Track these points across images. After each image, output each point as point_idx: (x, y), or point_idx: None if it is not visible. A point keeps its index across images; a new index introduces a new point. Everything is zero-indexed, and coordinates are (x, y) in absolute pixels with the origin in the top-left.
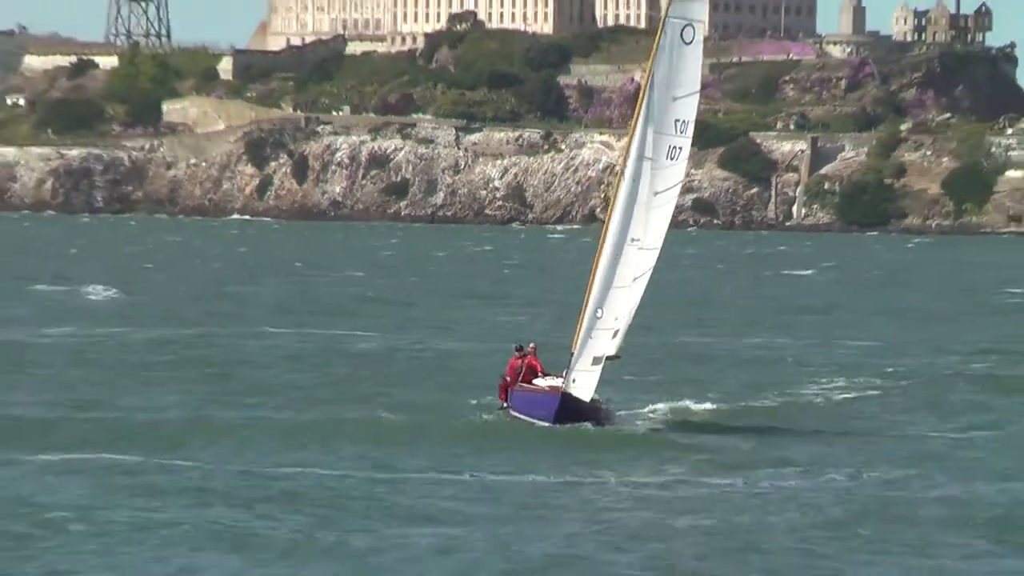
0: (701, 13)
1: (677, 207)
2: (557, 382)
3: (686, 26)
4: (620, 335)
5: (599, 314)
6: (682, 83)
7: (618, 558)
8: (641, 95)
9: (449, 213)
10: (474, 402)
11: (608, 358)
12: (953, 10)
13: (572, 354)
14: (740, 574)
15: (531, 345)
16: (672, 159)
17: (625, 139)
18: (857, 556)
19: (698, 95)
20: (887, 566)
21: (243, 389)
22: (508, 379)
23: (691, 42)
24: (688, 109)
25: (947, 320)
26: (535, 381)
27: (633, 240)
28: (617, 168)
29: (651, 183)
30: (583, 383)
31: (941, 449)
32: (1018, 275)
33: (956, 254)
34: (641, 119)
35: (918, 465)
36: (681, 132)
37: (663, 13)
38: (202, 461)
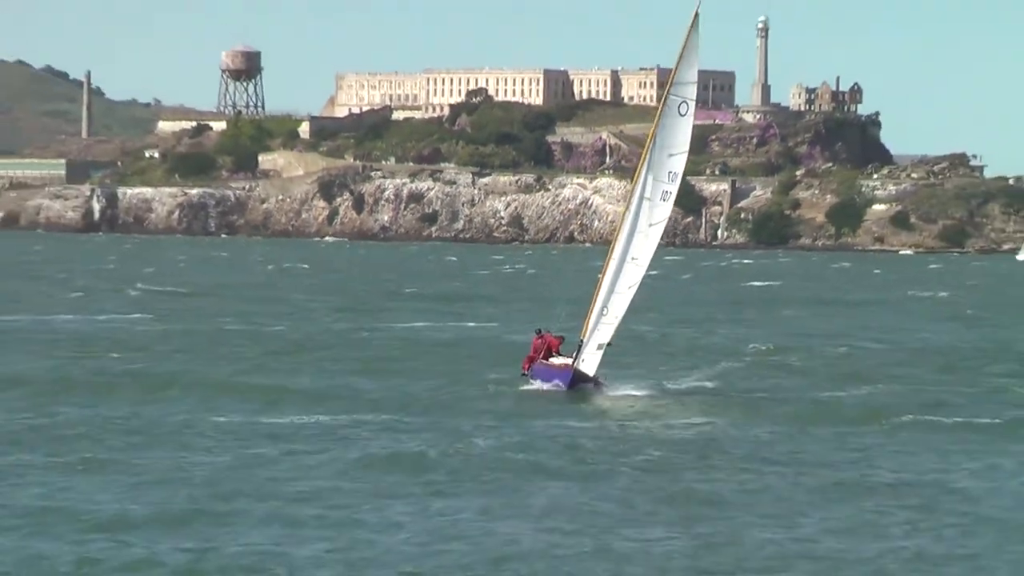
0: (693, 93)
1: None
2: (568, 360)
3: (682, 103)
4: (614, 327)
5: (605, 312)
6: (676, 144)
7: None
8: (644, 152)
9: (467, 236)
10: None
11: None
12: (834, 88)
13: (581, 341)
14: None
15: (544, 332)
16: (664, 200)
17: (597, 180)
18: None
19: (687, 153)
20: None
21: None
22: (532, 355)
23: (685, 114)
24: (679, 164)
25: (864, 310)
26: (551, 360)
27: (633, 259)
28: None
29: (648, 217)
30: (589, 362)
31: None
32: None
33: (843, 267)
34: (644, 170)
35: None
36: (672, 180)
37: (665, 92)
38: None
